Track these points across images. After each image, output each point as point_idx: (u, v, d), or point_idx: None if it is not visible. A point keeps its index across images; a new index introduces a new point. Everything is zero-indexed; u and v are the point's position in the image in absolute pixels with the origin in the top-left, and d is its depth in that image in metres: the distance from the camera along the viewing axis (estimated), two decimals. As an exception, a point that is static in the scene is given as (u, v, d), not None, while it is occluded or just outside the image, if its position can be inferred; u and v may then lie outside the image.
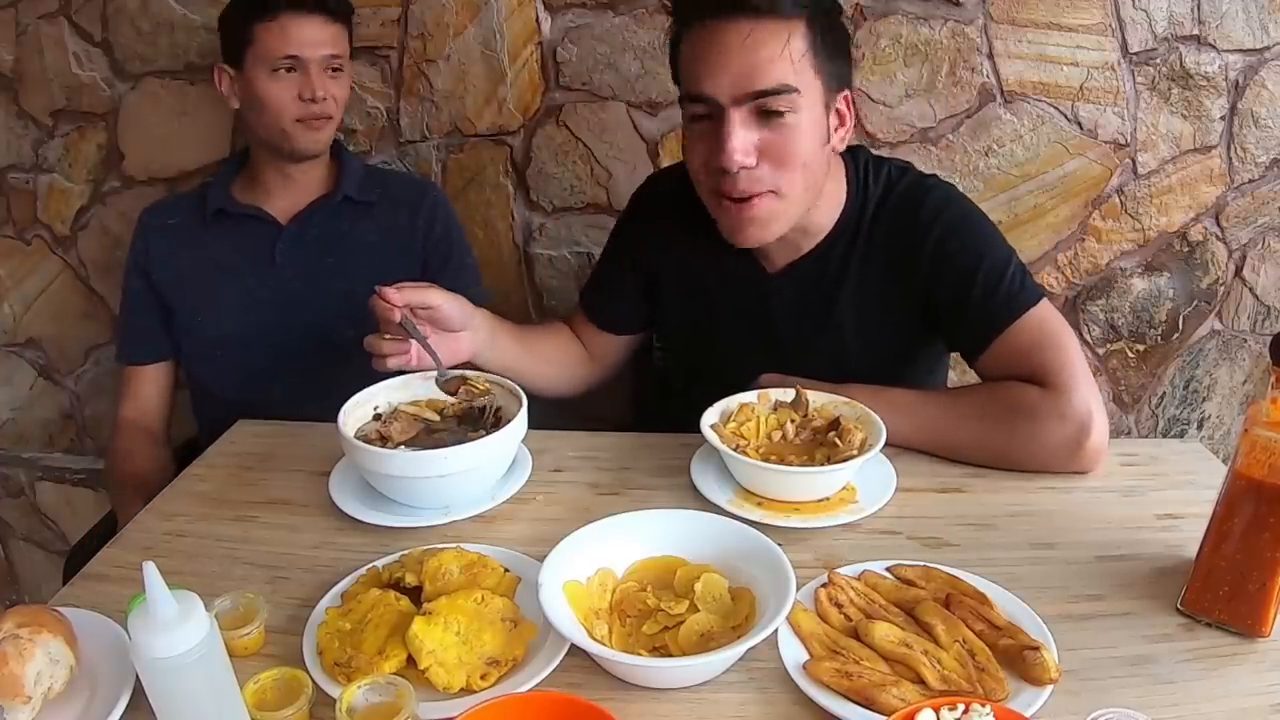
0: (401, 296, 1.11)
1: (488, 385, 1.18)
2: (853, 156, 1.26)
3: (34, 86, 1.89)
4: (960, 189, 1.27)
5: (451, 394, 1.17)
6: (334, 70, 1.47)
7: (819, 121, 1.11)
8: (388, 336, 1.14)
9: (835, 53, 1.11)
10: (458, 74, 1.75)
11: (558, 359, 1.37)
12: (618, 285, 1.40)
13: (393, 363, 1.15)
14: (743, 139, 1.07)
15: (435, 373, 1.17)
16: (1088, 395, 1.09)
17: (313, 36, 1.42)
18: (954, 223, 1.20)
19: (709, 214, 1.20)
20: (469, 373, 1.19)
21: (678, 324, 1.38)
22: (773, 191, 1.11)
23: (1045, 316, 1.15)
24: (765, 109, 1.07)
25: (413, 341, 1.14)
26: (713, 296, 1.32)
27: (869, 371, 1.21)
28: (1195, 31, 1.59)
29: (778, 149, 1.09)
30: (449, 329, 1.18)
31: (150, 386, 1.58)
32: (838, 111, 1.15)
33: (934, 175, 1.27)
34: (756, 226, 1.14)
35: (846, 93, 1.15)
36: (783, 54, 1.05)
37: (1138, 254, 1.74)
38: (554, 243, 1.86)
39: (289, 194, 1.54)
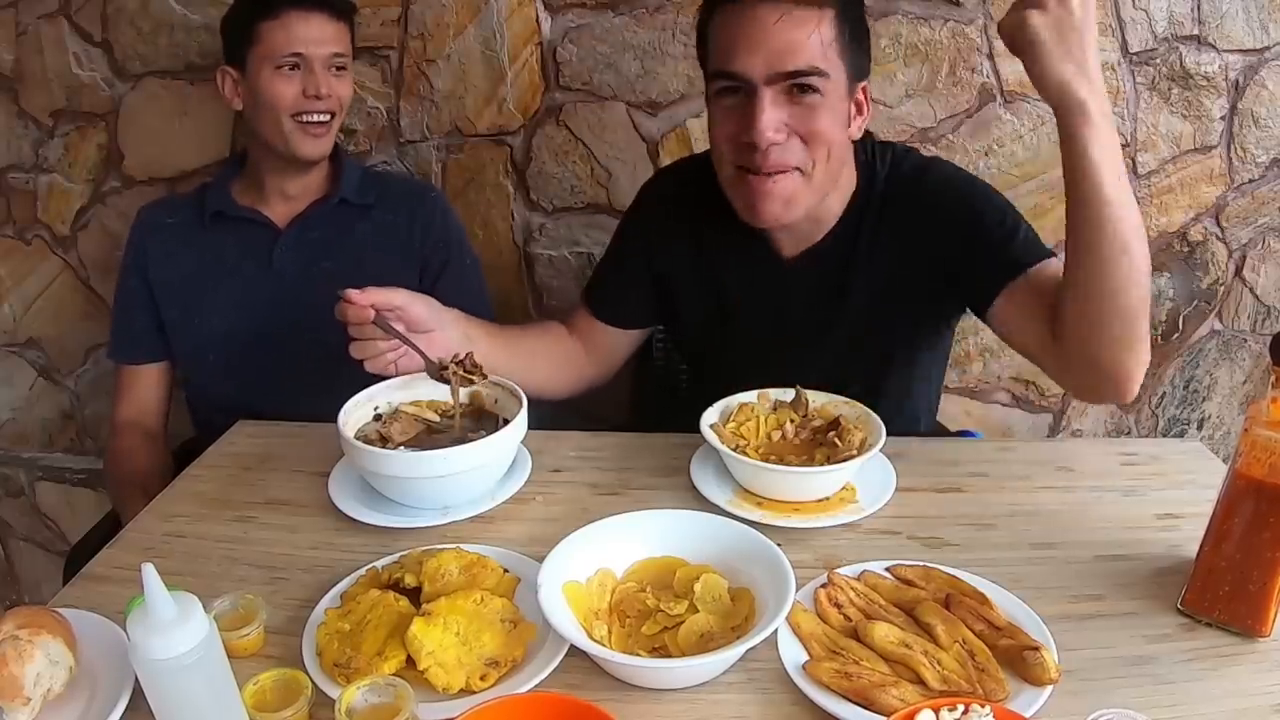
0: (367, 297, 1.11)
1: (479, 365, 1.15)
2: (860, 142, 1.28)
3: (34, 86, 1.89)
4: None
5: (447, 382, 1.15)
6: (338, 69, 1.47)
7: (843, 107, 1.15)
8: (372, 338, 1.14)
9: (858, 44, 1.15)
10: (458, 74, 1.75)
11: (545, 356, 1.35)
12: (627, 280, 1.39)
13: (391, 357, 1.14)
14: (773, 116, 1.10)
15: (432, 377, 1.16)
16: None
17: (317, 34, 1.42)
18: (964, 186, 1.24)
19: (722, 204, 1.22)
20: (457, 359, 1.16)
21: (691, 313, 1.38)
22: (799, 169, 1.14)
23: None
24: (795, 88, 1.10)
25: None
26: (728, 285, 1.33)
27: (878, 349, 1.25)
28: (1195, 31, 1.59)
29: (806, 127, 1.12)
30: (418, 329, 1.16)
31: (146, 387, 1.58)
32: (856, 101, 1.18)
33: (937, 156, 1.30)
34: (778, 203, 1.15)
35: (865, 83, 1.19)
36: (814, 38, 1.08)
37: (1138, 254, 1.74)
38: (554, 243, 1.86)
39: (287, 197, 1.54)
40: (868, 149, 1.28)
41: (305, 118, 1.44)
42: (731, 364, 1.30)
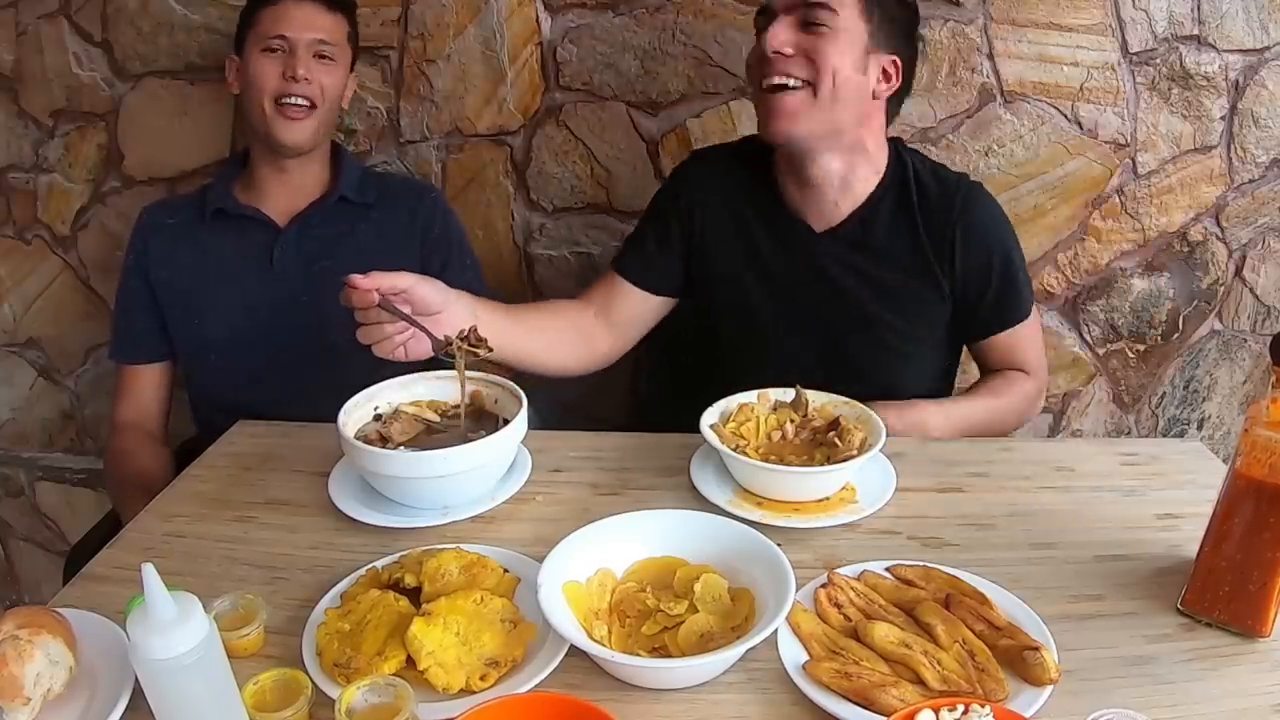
0: (372, 281, 1.10)
1: (484, 339, 1.14)
2: (893, 142, 1.39)
3: (34, 86, 1.89)
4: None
5: (452, 357, 1.13)
6: (323, 57, 1.48)
7: (856, 53, 1.25)
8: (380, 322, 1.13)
9: (888, 16, 1.27)
10: (458, 74, 1.75)
11: (558, 331, 1.36)
12: (661, 243, 1.42)
13: (399, 340, 1.13)
14: (782, 34, 1.24)
15: (438, 354, 1.14)
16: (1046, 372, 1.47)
17: (305, 20, 1.46)
18: (993, 211, 1.37)
19: (757, 182, 1.38)
20: (462, 334, 1.14)
21: (725, 281, 1.41)
22: (807, 83, 1.24)
23: (1038, 317, 1.42)
24: (807, 20, 1.23)
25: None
26: (762, 251, 1.39)
27: (893, 334, 1.34)
28: (1195, 31, 1.59)
29: (811, 50, 1.24)
30: (426, 311, 1.15)
31: (147, 388, 1.58)
32: (884, 69, 1.29)
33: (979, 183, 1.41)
34: (785, 118, 1.26)
35: (896, 59, 1.29)
36: None
37: (1138, 254, 1.74)
38: (554, 243, 1.86)
39: (287, 195, 1.54)
40: (899, 147, 1.38)
41: (284, 100, 1.46)
42: (760, 333, 1.40)
